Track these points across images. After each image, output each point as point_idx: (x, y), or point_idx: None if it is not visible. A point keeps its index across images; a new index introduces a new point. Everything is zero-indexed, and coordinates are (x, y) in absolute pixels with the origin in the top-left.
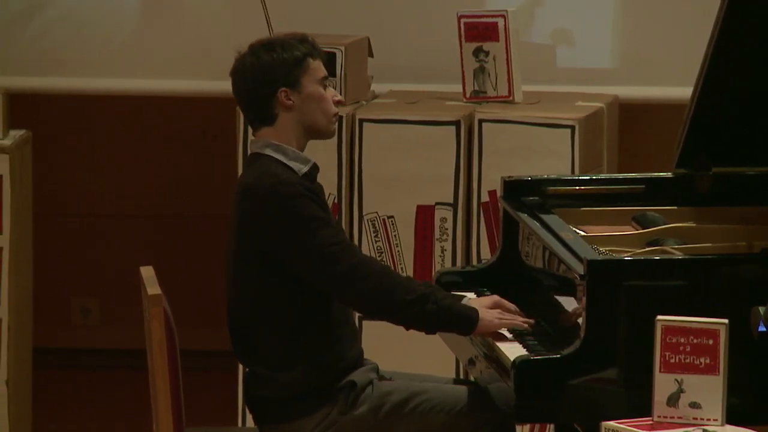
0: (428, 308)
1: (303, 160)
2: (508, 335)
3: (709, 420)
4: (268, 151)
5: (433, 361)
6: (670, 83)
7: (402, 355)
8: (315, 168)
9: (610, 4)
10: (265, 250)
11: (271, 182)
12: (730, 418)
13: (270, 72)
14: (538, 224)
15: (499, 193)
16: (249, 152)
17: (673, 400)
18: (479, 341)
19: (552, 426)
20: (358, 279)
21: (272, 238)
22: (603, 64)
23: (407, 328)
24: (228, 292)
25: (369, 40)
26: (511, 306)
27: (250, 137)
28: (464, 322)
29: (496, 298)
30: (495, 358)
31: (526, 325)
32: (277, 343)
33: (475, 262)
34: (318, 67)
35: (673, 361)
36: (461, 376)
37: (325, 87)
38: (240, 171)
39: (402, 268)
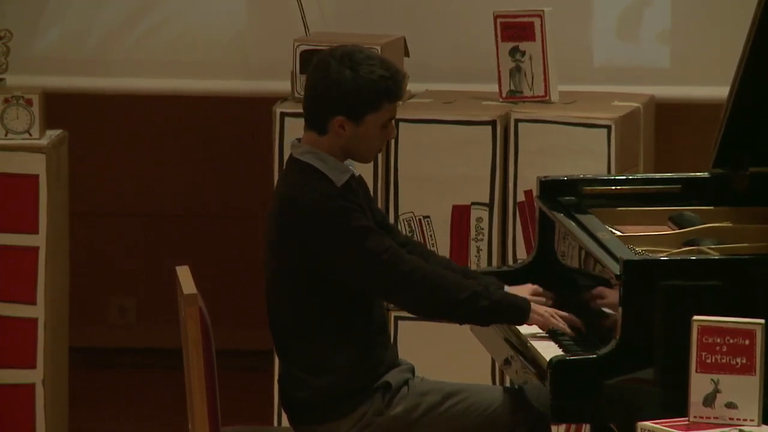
0: (481, 304)
1: (343, 170)
2: (544, 334)
3: (745, 420)
4: (308, 158)
5: (469, 361)
6: (706, 83)
7: (438, 356)
8: (353, 177)
9: (647, 4)
10: (310, 263)
11: (313, 197)
12: (767, 419)
13: (341, 95)
14: (574, 224)
15: (535, 193)
16: (289, 155)
17: (709, 401)
18: (515, 341)
19: (588, 426)
20: (413, 284)
21: (319, 254)
22: (640, 64)
23: (461, 324)
24: (267, 295)
25: (405, 39)
26: (548, 294)
27: (287, 139)
28: (517, 314)
29: (531, 286)
30: (531, 358)
31: (569, 331)
32: (315, 348)
33: (511, 262)
34: (390, 109)
35: (709, 361)
36: (496, 376)
37: (386, 126)
38: (276, 171)
39: None
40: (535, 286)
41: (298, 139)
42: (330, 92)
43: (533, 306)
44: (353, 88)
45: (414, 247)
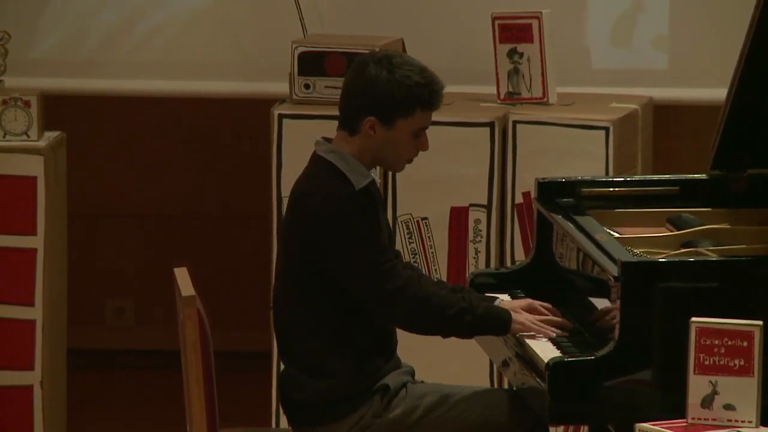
0: (466, 320)
1: (363, 174)
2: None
3: (743, 422)
4: (331, 157)
5: (467, 362)
6: (705, 84)
7: (436, 357)
8: (373, 183)
9: (645, 6)
10: (315, 263)
11: (326, 196)
12: (765, 420)
13: (374, 95)
14: (572, 226)
15: (533, 195)
16: (313, 152)
17: (707, 402)
18: (513, 343)
19: (586, 427)
20: (403, 300)
21: (322, 253)
22: (638, 66)
23: (445, 337)
24: (275, 292)
25: (403, 41)
26: (546, 306)
27: (285, 141)
28: (498, 326)
29: (529, 301)
30: (529, 360)
31: (554, 334)
32: (316, 351)
33: (509, 263)
34: (423, 117)
35: (707, 363)
36: (495, 378)
37: (418, 135)
38: (274, 173)
39: (436, 270)
40: (531, 301)
41: (325, 138)
42: (364, 92)
43: (514, 317)
44: (387, 89)
45: (410, 269)
